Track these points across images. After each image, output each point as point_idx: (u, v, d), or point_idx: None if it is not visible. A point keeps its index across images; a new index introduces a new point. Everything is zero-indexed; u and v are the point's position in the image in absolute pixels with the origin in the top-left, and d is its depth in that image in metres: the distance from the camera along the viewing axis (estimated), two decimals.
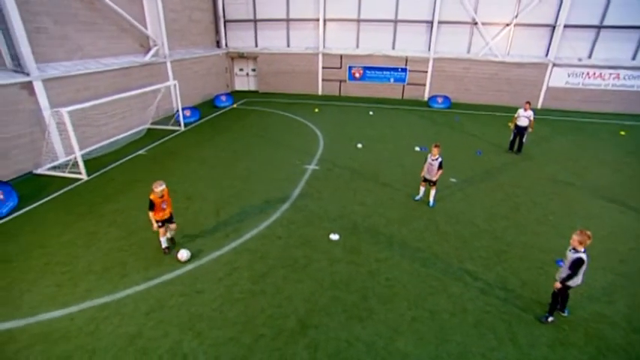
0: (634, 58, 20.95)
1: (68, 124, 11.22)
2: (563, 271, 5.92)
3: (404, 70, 23.77)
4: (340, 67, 24.73)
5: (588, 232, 5.66)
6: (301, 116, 19.43)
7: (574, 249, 5.78)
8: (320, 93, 25.63)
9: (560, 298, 6.15)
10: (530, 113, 13.98)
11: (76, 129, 11.89)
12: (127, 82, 16.35)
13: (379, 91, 24.75)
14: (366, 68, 24.24)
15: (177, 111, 17.59)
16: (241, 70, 27.07)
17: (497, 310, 6.47)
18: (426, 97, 24.03)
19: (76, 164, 11.84)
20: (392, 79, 24.16)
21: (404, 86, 24.32)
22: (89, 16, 14.46)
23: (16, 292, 6.77)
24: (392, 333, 5.93)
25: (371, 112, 20.52)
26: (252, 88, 27.28)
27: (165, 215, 7.73)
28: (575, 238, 5.72)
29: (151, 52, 18.11)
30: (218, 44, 25.69)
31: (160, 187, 7.31)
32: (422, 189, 10.25)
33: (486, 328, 6.08)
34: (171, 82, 17.87)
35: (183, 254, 7.70)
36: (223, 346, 5.67)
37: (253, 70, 26.69)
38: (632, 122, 19.72)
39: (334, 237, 8.46)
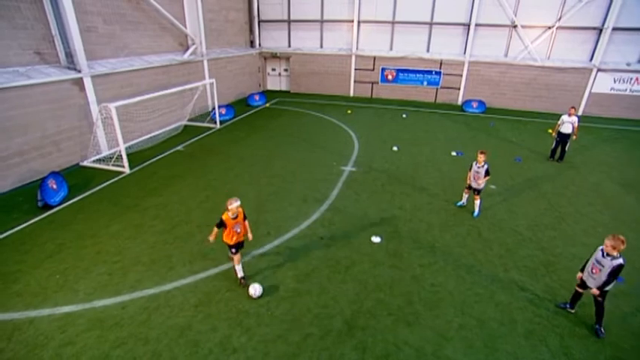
0: None
1: (115, 119, 11.65)
2: (601, 278, 5.72)
3: (438, 73, 23.43)
4: (373, 69, 24.62)
5: (622, 237, 5.46)
6: (334, 117, 19.46)
7: (608, 254, 5.57)
8: (352, 94, 25.60)
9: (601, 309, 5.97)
10: (574, 119, 13.44)
11: (120, 124, 12.34)
12: (166, 79, 16.83)
13: (411, 94, 24.49)
14: (399, 70, 24.03)
15: (214, 109, 17.94)
16: (274, 70, 27.37)
17: (549, 322, 6.28)
18: (460, 101, 23.59)
19: (119, 157, 12.27)
20: (425, 82, 23.86)
21: (437, 89, 23.97)
22: (135, 15, 14.98)
23: (72, 277, 7.08)
24: (440, 339, 5.85)
25: (404, 115, 20.34)
26: (284, 88, 27.54)
27: (240, 239, 6.72)
28: (607, 243, 5.54)
29: (190, 51, 18.57)
30: (252, 44, 26.06)
31: (234, 204, 6.30)
32: (465, 196, 10.04)
33: (538, 339, 5.91)
34: (208, 81, 18.26)
35: (256, 290, 6.69)
36: (272, 343, 5.74)
37: (285, 70, 26.94)
38: None
39: (376, 240, 8.42)
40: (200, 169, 12.44)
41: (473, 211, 9.78)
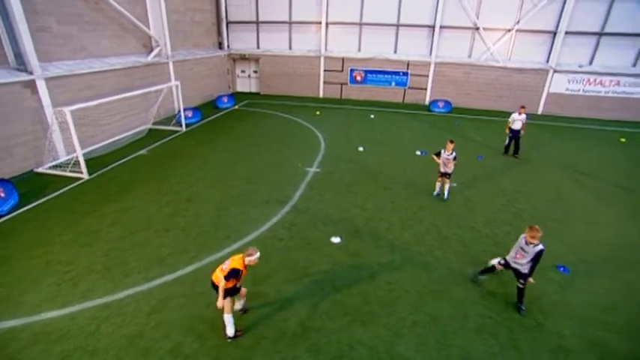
0: (634, 65, 21.05)
1: (70, 123, 11.23)
2: (527, 265, 6.27)
3: (405, 74, 23.84)
4: (342, 70, 24.79)
5: (537, 227, 6.09)
6: (303, 119, 19.46)
7: (531, 243, 6.12)
8: (321, 95, 25.67)
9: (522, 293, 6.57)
10: (524, 117, 14.35)
11: (78, 128, 11.92)
12: (129, 82, 16.36)
13: (380, 95, 24.81)
14: (367, 72, 24.30)
15: (179, 111, 17.60)
16: (243, 71, 27.11)
17: (499, 315, 6.48)
18: (427, 101, 24.08)
19: (77, 163, 11.83)
20: (393, 83, 24.22)
21: (405, 90, 24.38)
22: (93, 16, 14.49)
23: (17, 290, 6.76)
24: (393, 337, 5.93)
25: (372, 116, 20.56)
26: (254, 89, 27.32)
27: (238, 282, 5.67)
28: (527, 234, 6.14)
29: (154, 53, 18.14)
30: (220, 46, 25.74)
31: (256, 255, 5.44)
32: (439, 185, 10.74)
33: (488, 333, 6.08)
34: (173, 83, 17.89)
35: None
36: (224, 349, 5.66)
37: (255, 71, 26.74)
38: (632, 129, 19.77)
39: (336, 240, 8.46)
40: (163, 173, 12.17)
41: (443, 196, 10.71)
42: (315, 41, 24.81)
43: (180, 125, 17.41)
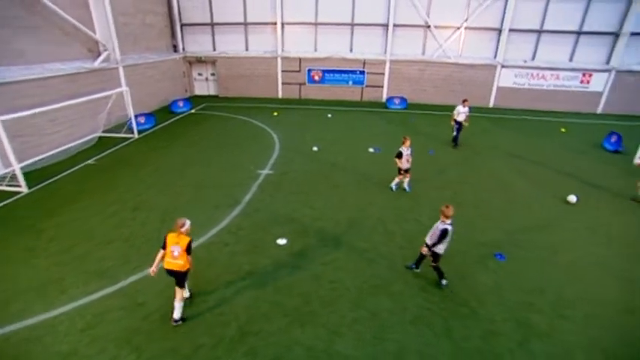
0: (571, 60, 22.37)
1: (2, 134, 10.62)
2: (432, 239, 6.78)
3: (362, 72, 24.18)
4: (299, 71, 24.82)
5: (443, 207, 6.59)
6: (260, 120, 19.35)
7: (443, 222, 6.60)
8: (280, 96, 25.61)
9: (438, 267, 7.09)
10: (467, 110, 15.18)
11: (17, 139, 11.32)
12: (75, 88, 15.67)
13: (339, 94, 25.04)
14: (324, 71, 24.45)
15: (130, 118, 17.06)
16: (200, 74, 26.61)
17: (437, 306, 6.72)
18: (384, 98, 24.53)
19: (14, 177, 11.24)
20: (350, 82, 24.51)
21: (362, 88, 24.73)
22: (30, 20, 13.78)
23: None
24: (332, 335, 6.02)
25: (329, 115, 20.72)
26: (212, 92, 26.87)
27: (173, 267, 5.91)
28: (442, 211, 6.61)
29: (101, 58, 17.48)
30: (175, 48, 25.14)
31: (187, 222, 5.93)
32: (397, 180, 11.16)
33: (424, 324, 6.29)
34: (122, 89, 17.30)
35: None
36: (160, 358, 5.56)
37: (212, 74, 26.31)
38: (572, 120, 21.00)
39: (282, 242, 8.49)
40: (110, 183, 11.77)
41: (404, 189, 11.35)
42: (271, 42, 24.69)
43: (132, 132, 16.88)
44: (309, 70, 24.62)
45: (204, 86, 26.83)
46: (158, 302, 6.74)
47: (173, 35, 24.90)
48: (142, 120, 18.17)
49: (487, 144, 16.21)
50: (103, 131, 17.08)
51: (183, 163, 13.45)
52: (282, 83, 25.40)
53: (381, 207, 10.22)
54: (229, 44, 25.18)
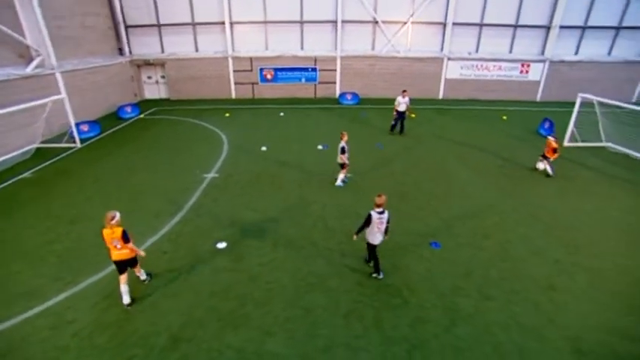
0: (510, 51, 23.48)
1: None
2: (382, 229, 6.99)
3: (314, 69, 24.26)
4: (251, 70, 24.56)
5: (382, 195, 6.79)
6: (211, 122, 19.00)
7: (380, 211, 6.83)
8: (234, 96, 25.25)
9: (374, 258, 7.30)
10: (407, 100, 15.98)
11: None
12: (3, 97, 14.76)
13: (292, 91, 25.00)
14: (277, 70, 24.34)
15: (71, 126, 16.28)
16: (150, 77, 25.75)
17: (370, 298, 6.88)
18: (337, 94, 24.75)
19: None
20: (303, 79, 24.54)
21: (315, 85, 24.83)
22: None
23: None
24: (264, 336, 6.04)
25: (282, 114, 20.67)
26: (164, 95, 26.08)
27: (120, 257, 6.48)
28: (375, 200, 6.81)
29: (34, 64, 16.55)
30: (121, 51, 24.18)
31: (117, 214, 6.32)
32: (342, 175, 11.44)
33: (356, 317, 6.43)
34: (59, 96, 16.45)
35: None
36: None
37: (162, 77, 25.53)
38: (513, 107, 22.10)
39: (221, 246, 8.41)
40: (47, 196, 11.19)
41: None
42: (221, 42, 24.26)
43: (74, 141, 16.12)
44: (261, 70, 24.42)
45: (154, 90, 26.00)
46: (89, 317, 6.51)
47: (118, 38, 23.93)
48: (85, 128, 17.39)
49: (433, 134, 16.75)
50: (42, 142, 16.19)
51: (127, 171, 13.01)
52: (235, 83, 25.05)
53: (323, 204, 10.32)
54: (178, 45, 24.51)
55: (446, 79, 24.28)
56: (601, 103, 14.98)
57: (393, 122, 16.69)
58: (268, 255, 8.12)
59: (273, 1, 23.22)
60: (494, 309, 6.68)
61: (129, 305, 6.69)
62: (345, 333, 6.09)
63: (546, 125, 17.07)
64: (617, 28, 23.39)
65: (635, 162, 14.11)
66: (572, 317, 6.58)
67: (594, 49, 23.82)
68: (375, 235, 6.95)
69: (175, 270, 7.69)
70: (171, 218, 9.72)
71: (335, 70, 24.34)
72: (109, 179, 12.34)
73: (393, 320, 6.36)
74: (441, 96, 24.58)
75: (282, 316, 6.45)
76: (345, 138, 10.84)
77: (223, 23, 23.67)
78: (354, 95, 23.60)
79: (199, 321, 6.35)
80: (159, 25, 24.09)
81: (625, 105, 14.04)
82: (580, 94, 15.06)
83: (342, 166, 11.13)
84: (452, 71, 24.05)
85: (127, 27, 24.15)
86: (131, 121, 20.20)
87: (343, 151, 10.80)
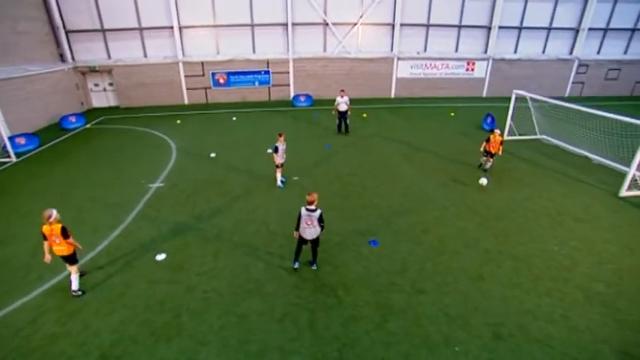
0: (457, 50, 24.50)
1: None
2: (319, 228, 7.31)
3: (267, 72, 24.25)
4: (203, 75, 24.21)
5: (312, 193, 7.19)
6: (161, 130, 18.57)
7: (310, 209, 7.16)
8: (187, 102, 24.78)
9: (296, 251, 7.70)
10: (346, 99, 16.24)
11: None
12: None
13: (246, 95, 24.89)
14: (229, 74, 24.13)
15: (4, 141, 15.40)
16: (97, 85, 24.75)
17: (305, 300, 7.01)
18: (291, 96, 24.86)
19: None
20: (257, 82, 24.48)
21: (269, 88, 24.82)
22: None
23: None
24: (197, 346, 6.03)
25: (234, 118, 20.53)
26: (113, 103, 25.16)
27: (60, 252, 6.89)
28: (308, 199, 7.17)
29: None
30: (62, 58, 23.10)
31: (54, 212, 6.66)
32: (279, 175, 11.69)
33: (290, 320, 6.53)
34: None
35: None
36: None
37: (110, 84, 24.63)
38: (461, 104, 23.06)
39: (160, 257, 8.28)
40: None
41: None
42: (171, 47, 23.75)
43: (9, 155, 15.26)
44: (214, 74, 24.13)
45: (102, 98, 25.03)
46: (13, 343, 6.23)
47: (58, 44, 22.84)
48: (21, 141, 16.50)
49: (382, 133, 17.22)
50: None
51: (68, 185, 12.47)
52: (187, 89, 24.59)
53: (267, 209, 10.38)
54: (126, 51, 23.73)
55: (397, 79, 24.99)
56: (532, 99, 15.94)
57: (337, 122, 17.02)
58: (209, 264, 8.08)
59: (223, 5, 23.00)
60: (426, 302, 7.00)
61: (75, 292, 7.14)
62: (279, 336, 6.19)
63: (489, 120, 17.95)
64: (549, 29, 25.01)
65: (566, 153, 15.15)
66: (495, 304, 7.00)
67: (531, 48, 25.34)
68: (304, 230, 7.23)
69: (110, 286, 7.50)
70: (111, 232, 9.45)
71: (288, 73, 24.45)
72: (46, 195, 11.80)
73: (327, 320, 6.52)
74: (393, 95, 25.27)
75: (217, 324, 6.45)
76: (282, 139, 11.15)
77: (172, 28, 23.16)
78: (308, 97, 23.79)
79: (132, 337, 6.24)
80: (103, 30, 23.22)
81: (551, 100, 14.99)
82: (515, 91, 15.97)
83: (277, 166, 11.43)
84: (402, 70, 24.78)
85: (67, 32, 23.09)
86: (76, 131, 19.36)
87: (276, 150, 11.06)
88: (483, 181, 11.59)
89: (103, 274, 7.86)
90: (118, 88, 24.35)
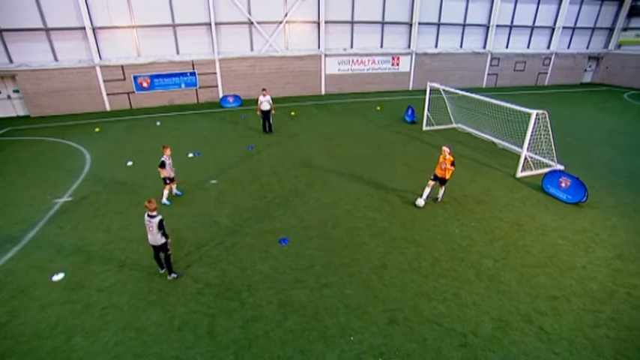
0: (382, 46, 25.42)
1: None
2: (159, 235, 7.31)
3: (193, 74, 23.59)
4: (124, 79, 22.97)
5: (152, 201, 7.18)
6: (75, 140, 17.40)
7: (151, 216, 7.20)
8: (109, 109, 23.39)
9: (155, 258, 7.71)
10: (268, 98, 16.39)
11: None
12: None
13: (173, 98, 24.03)
14: (153, 76, 23.13)
15: None
16: None
17: (207, 306, 6.99)
18: (220, 97, 24.42)
19: None
20: (183, 85, 23.73)
21: (197, 90, 24.16)
22: None
23: None
24: None
25: (158, 123, 19.76)
26: (22, 113, 23.07)
27: None
28: (147, 207, 7.18)
29: None
30: None
31: None
32: (166, 192, 10.95)
33: (189, 328, 6.49)
34: None
35: None
36: None
37: (16, 91, 22.57)
38: (388, 98, 24.01)
39: (57, 277, 7.83)
40: None
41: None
42: (85, 50, 22.21)
43: None
44: (136, 78, 22.99)
45: (7, 107, 22.80)
46: None
47: None
48: None
49: (308, 130, 17.55)
50: None
51: None
52: (108, 94, 23.19)
53: (180, 216, 10.18)
54: (31, 54, 21.72)
55: (326, 75, 25.42)
56: (445, 91, 16.99)
57: (261, 122, 17.09)
58: (111, 279, 7.78)
59: (140, 5, 21.92)
60: (328, 295, 7.26)
61: None
62: (176, 346, 6.14)
63: (409, 112, 18.85)
64: (464, 25, 26.75)
65: (478, 140, 16.34)
66: (394, 290, 7.43)
67: (449, 42, 26.96)
68: (148, 235, 7.36)
69: None
70: (4, 255, 8.76)
71: (215, 74, 23.94)
72: None
73: (227, 324, 6.57)
74: (323, 92, 25.67)
75: (112, 341, 6.25)
76: (167, 152, 10.49)
77: (84, 29, 21.69)
78: (236, 97, 23.49)
79: None
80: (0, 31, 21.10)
81: (458, 91, 16.14)
82: (429, 83, 16.92)
83: (165, 181, 10.73)
84: (330, 67, 25.24)
85: None
86: None
87: (162, 165, 10.38)
88: (420, 202, 10.54)
89: None
90: (26, 96, 22.33)
